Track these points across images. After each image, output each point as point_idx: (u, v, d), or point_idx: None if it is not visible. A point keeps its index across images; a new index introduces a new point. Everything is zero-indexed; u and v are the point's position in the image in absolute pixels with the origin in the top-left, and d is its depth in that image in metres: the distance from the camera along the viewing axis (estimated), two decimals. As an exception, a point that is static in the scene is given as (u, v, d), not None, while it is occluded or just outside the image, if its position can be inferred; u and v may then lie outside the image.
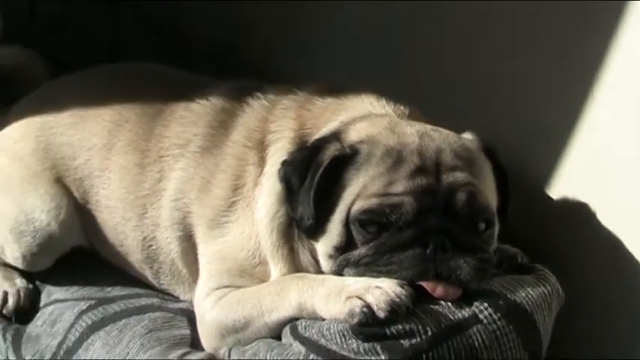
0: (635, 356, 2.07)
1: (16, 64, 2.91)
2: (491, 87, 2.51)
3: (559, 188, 2.36)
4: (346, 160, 1.98)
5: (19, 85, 2.83)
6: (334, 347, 1.85)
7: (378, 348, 1.81)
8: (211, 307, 2.13)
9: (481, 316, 1.86)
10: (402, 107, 2.18)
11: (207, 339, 2.15)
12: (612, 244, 2.19)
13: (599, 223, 2.22)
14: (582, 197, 2.28)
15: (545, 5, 2.27)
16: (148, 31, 3.58)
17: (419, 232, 1.90)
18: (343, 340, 1.84)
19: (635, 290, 2.18)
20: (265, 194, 2.12)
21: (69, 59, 3.06)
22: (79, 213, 2.46)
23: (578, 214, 2.29)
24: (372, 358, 1.81)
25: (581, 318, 2.18)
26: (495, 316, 1.87)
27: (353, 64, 2.95)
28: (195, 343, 2.21)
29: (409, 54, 2.81)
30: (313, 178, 1.97)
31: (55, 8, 3.59)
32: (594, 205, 2.24)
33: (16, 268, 2.55)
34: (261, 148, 2.20)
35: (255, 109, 2.29)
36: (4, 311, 2.47)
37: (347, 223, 1.95)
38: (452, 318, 1.86)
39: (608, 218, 2.20)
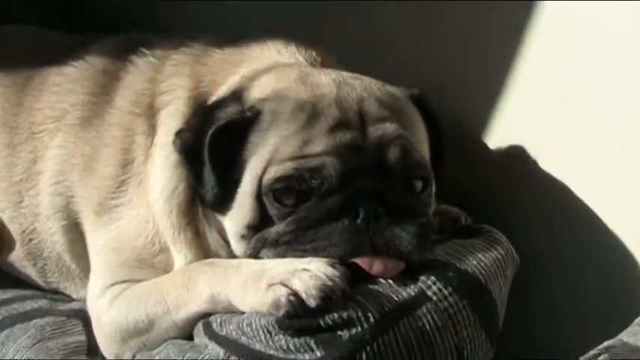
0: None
1: None
2: (426, 38, 2.41)
3: (498, 138, 2.29)
4: (248, 123, 1.83)
5: None
6: (258, 346, 1.66)
7: (312, 343, 1.63)
8: (108, 307, 1.97)
9: (429, 293, 1.70)
10: (314, 53, 2.03)
11: (106, 345, 1.97)
12: (558, 192, 2.12)
13: (542, 172, 2.15)
14: (522, 144, 2.21)
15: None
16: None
17: (346, 199, 1.72)
18: (269, 336, 1.67)
19: (584, 243, 2.10)
20: (159, 169, 1.96)
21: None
22: None
23: (519, 163, 2.21)
24: (306, 356, 1.64)
25: (532, 278, 2.09)
26: (446, 292, 1.71)
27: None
28: (93, 349, 2.02)
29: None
30: (208, 149, 1.83)
31: None
32: (535, 153, 2.16)
33: None
34: (150, 114, 2.03)
35: (141, 68, 2.13)
36: None
37: (259, 196, 1.78)
38: (396, 299, 1.69)
39: (552, 166, 2.13)
